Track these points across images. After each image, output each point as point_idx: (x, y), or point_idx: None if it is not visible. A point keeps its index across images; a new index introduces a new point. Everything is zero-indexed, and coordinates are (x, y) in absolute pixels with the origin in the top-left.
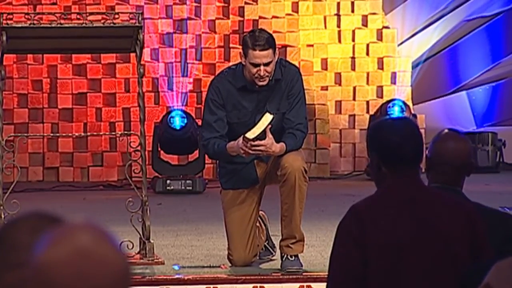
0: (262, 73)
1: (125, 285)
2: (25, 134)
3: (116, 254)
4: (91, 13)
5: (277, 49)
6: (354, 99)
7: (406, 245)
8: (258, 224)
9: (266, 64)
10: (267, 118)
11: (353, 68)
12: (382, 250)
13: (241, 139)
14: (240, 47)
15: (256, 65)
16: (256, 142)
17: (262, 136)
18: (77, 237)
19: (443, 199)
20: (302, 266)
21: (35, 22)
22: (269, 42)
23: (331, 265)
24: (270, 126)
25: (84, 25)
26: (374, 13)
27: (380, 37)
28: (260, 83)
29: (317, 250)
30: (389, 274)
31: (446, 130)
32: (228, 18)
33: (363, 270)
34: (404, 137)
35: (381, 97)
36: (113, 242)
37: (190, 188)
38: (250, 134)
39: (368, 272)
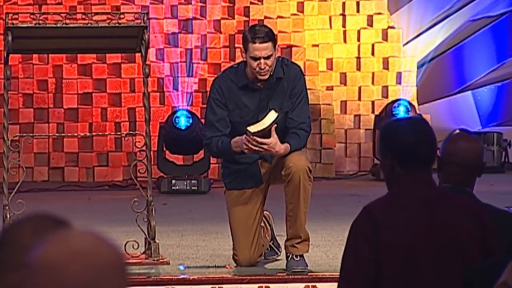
0: (262, 66)
1: (121, 285)
2: (31, 134)
3: (112, 255)
4: (96, 13)
5: (277, 45)
6: (359, 99)
7: (419, 246)
8: (263, 224)
9: (267, 58)
10: (272, 115)
11: (358, 68)
12: (395, 250)
13: (244, 137)
14: None
15: (256, 59)
16: (261, 140)
17: (267, 134)
18: (74, 238)
19: (455, 200)
20: (307, 266)
21: (40, 22)
22: (268, 35)
23: (343, 265)
24: (275, 125)
25: (89, 25)
26: (379, 13)
27: (385, 37)
28: (261, 77)
29: (322, 250)
30: (402, 274)
31: (457, 131)
32: (233, 18)
33: (375, 270)
34: (420, 137)
35: (386, 97)
36: (110, 244)
37: (195, 188)
38: (253, 128)
39: (381, 272)
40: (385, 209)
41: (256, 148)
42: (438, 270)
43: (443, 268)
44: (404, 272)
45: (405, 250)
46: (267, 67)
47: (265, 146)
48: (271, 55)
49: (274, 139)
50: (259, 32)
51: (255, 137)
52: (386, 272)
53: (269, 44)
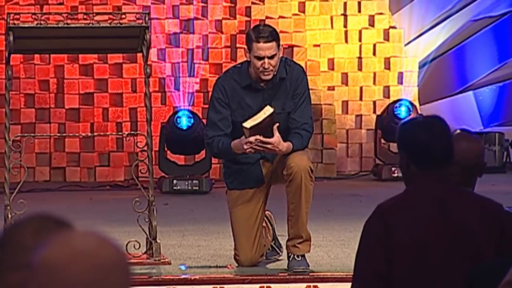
0: (266, 66)
1: (125, 285)
2: (32, 134)
3: (115, 255)
4: (97, 13)
5: (281, 45)
6: (361, 99)
7: (431, 245)
8: (264, 224)
9: (270, 57)
10: (267, 110)
11: (360, 68)
12: (407, 250)
13: (243, 138)
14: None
15: (260, 58)
16: (266, 140)
17: (263, 130)
18: (77, 239)
19: (472, 199)
20: (308, 266)
21: (42, 22)
22: (272, 35)
23: (356, 265)
24: (278, 124)
25: (90, 25)
26: (380, 13)
27: (387, 37)
28: (265, 77)
29: (324, 250)
30: (413, 274)
31: (458, 131)
32: (235, 18)
33: (387, 269)
34: (434, 137)
35: (388, 97)
36: (113, 244)
37: (197, 188)
38: (247, 124)
39: (392, 271)
40: (398, 208)
41: (261, 149)
42: (450, 270)
43: (456, 268)
44: (416, 271)
45: (417, 250)
46: (271, 67)
47: (269, 146)
48: (275, 54)
49: (277, 137)
50: (263, 31)
51: (259, 138)
52: (398, 272)
53: (273, 44)
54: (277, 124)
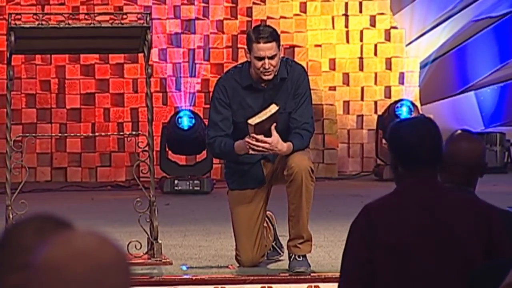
0: (267, 66)
1: (125, 285)
2: (33, 134)
3: (116, 255)
4: (99, 14)
5: (281, 45)
6: (362, 99)
7: (417, 246)
8: (265, 224)
9: (271, 58)
10: (273, 107)
11: (361, 69)
12: (391, 250)
13: (246, 137)
14: None
15: (261, 59)
16: (262, 138)
17: (267, 132)
18: (77, 239)
19: (460, 200)
20: (309, 266)
21: (43, 22)
22: (272, 35)
23: (342, 265)
24: (275, 124)
25: (92, 25)
26: (382, 13)
27: (388, 38)
28: (265, 77)
29: (325, 250)
30: (397, 274)
31: (459, 131)
32: (236, 18)
33: (372, 270)
34: (421, 137)
35: (389, 98)
36: (114, 244)
37: (198, 188)
38: (253, 120)
39: (377, 271)
40: (385, 208)
41: (259, 148)
42: (435, 271)
43: (441, 268)
44: (401, 272)
45: (401, 251)
46: (271, 67)
47: (266, 145)
48: (275, 55)
49: (275, 137)
50: (263, 32)
51: (254, 135)
52: (383, 272)
53: (273, 44)
54: (275, 124)
